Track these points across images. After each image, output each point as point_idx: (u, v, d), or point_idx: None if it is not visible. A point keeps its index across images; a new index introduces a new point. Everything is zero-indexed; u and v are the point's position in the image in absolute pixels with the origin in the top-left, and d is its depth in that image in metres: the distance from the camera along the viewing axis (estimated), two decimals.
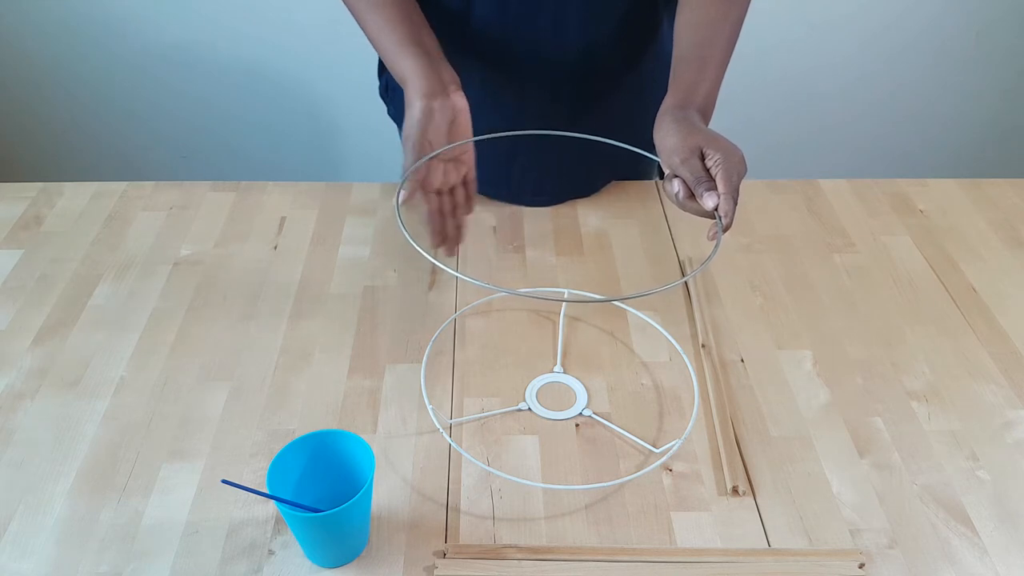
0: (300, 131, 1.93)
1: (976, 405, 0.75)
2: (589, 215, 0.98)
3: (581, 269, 0.90)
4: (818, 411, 0.74)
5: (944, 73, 1.92)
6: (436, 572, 0.60)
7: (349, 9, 0.81)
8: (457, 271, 0.89)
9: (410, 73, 0.74)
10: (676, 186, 0.69)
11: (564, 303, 0.84)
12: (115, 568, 0.60)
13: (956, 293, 0.87)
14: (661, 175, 1.10)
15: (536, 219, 0.97)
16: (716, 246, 0.64)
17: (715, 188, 0.66)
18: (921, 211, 1.00)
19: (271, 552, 0.62)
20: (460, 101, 0.74)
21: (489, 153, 0.82)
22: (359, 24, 0.80)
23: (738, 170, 0.66)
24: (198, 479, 0.67)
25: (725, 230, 0.65)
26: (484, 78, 0.90)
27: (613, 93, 0.92)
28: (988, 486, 0.68)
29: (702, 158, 0.68)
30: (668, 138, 0.70)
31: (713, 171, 0.66)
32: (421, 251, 0.61)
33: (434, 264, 0.60)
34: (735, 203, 0.65)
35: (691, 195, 0.68)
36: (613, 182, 1.03)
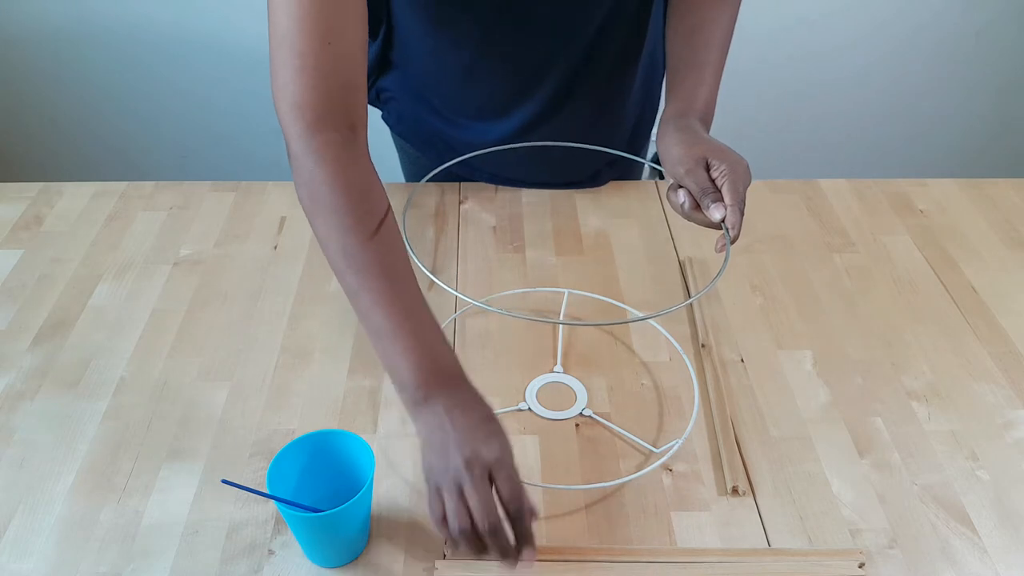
0: None
1: (976, 405, 0.75)
2: (589, 215, 0.98)
3: (581, 269, 0.90)
4: (818, 411, 0.74)
5: (944, 73, 1.92)
6: (436, 573, 0.60)
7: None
8: (456, 290, 0.89)
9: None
10: (681, 196, 0.68)
11: (564, 302, 0.84)
12: (115, 568, 0.60)
13: (956, 293, 0.87)
14: (660, 175, 1.10)
15: (536, 219, 0.97)
16: (726, 259, 0.64)
17: (721, 200, 0.65)
18: (921, 211, 1.00)
19: (271, 552, 0.62)
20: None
21: (484, 144, 0.81)
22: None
23: (744, 180, 0.66)
24: (198, 479, 0.67)
25: (733, 242, 0.65)
26: (480, 46, 0.87)
27: (605, 81, 0.92)
28: (988, 486, 0.68)
29: (707, 168, 0.67)
30: (672, 148, 0.70)
31: (719, 182, 0.66)
32: (421, 266, 0.61)
33: (433, 278, 0.60)
34: (742, 214, 0.65)
35: (697, 206, 0.67)
36: (613, 182, 1.03)
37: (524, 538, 0.55)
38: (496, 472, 0.55)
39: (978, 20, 1.84)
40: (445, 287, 0.66)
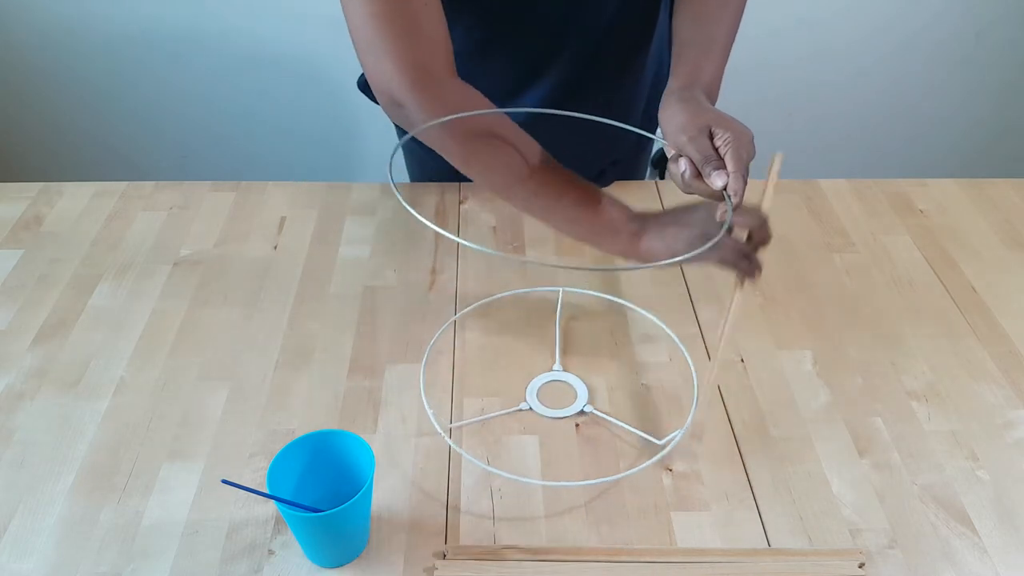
0: (302, 129, 1.93)
1: (976, 405, 0.75)
2: None
3: (581, 269, 0.89)
4: (818, 411, 0.74)
5: (944, 73, 1.92)
6: (436, 573, 0.60)
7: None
8: (456, 290, 0.89)
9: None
10: (682, 165, 0.66)
11: (560, 299, 0.84)
12: (115, 568, 0.60)
13: (956, 293, 0.87)
14: (656, 166, 1.10)
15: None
16: (726, 225, 0.62)
17: (724, 167, 0.63)
18: (921, 211, 1.00)
19: (271, 552, 0.62)
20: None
21: None
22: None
23: (748, 150, 0.64)
24: (198, 479, 0.67)
25: (735, 209, 0.63)
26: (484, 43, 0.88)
27: (608, 78, 0.92)
28: (988, 486, 0.68)
29: (710, 137, 0.65)
30: (675, 117, 0.68)
31: (722, 150, 0.64)
32: (419, 217, 0.60)
33: (439, 231, 0.58)
34: (745, 182, 0.63)
35: (698, 174, 0.65)
36: (614, 182, 1.03)
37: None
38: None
39: (978, 21, 1.84)
40: (448, 234, 0.65)
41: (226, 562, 0.61)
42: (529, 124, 0.93)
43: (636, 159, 1.09)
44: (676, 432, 0.70)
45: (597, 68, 0.89)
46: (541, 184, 0.74)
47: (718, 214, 0.65)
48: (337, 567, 0.61)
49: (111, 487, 0.66)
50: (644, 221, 0.73)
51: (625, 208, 0.75)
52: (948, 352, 0.80)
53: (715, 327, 0.82)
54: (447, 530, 0.63)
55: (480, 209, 0.98)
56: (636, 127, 1.00)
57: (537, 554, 0.61)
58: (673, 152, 0.69)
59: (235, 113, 1.89)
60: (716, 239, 0.63)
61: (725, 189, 0.63)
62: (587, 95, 0.91)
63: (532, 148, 0.74)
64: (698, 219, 0.71)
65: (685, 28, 0.78)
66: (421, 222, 0.59)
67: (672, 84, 0.73)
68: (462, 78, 0.79)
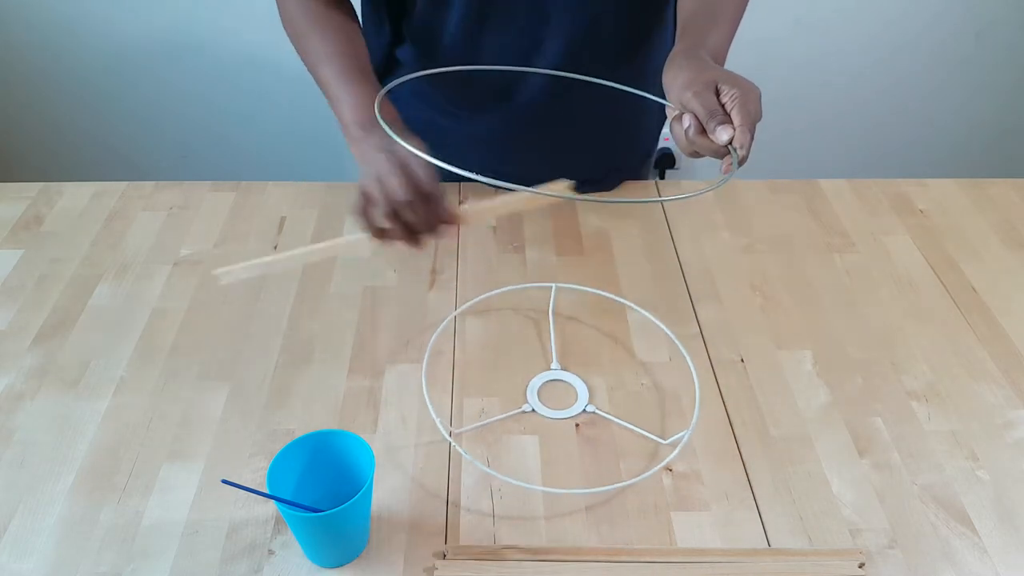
0: (302, 129, 1.92)
1: (976, 405, 0.75)
2: (589, 215, 0.98)
3: (581, 269, 0.90)
4: (818, 411, 0.74)
5: (944, 73, 1.92)
6: (436, 573, 0.60)
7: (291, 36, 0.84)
8: (456, 290, 0.89)
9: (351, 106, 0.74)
10: (687, 121, 0.63)
11: (553, 296, 0.84)
12: (115, 568, 0.60)
13: (956, 293, 0.87)
14: (657, 166, 1.10)
15: (536, 219, 0.97)
16: (729, 175, 0.60)
17: (729, 121, 0.60)
18: (921, 211, 1.00)
19: (271, 552, 0.62)
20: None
21: (487, 137, 0.81)
22: (298, 50, 0.83)
23: (756, 107, 0.62)
24: (198, 479, 0.67)
25: (741, 163, 0.60)
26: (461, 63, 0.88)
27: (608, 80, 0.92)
28: (988, 486, 0.68)
29: (717, 94, 0.63)
30: (680, 74, 0.65)
31: (728, 106, 0.61)
32: (407, 147, 0.58)
33: (439, 164, 0.56)
34: (752, 137, 0.60)
35: (702, 131, 0.62)
36: (621, 184, 1.03)
37: (440, 214, 0.66)
38: (411, 164, 0.65)
39: (978, 21, 1.84)
40: (442, 164, 0.63)
41: (226, 562, 0.61)
42: (530, 127, 0.92)
43: (642, 165, 1.08)
44: (683, 432, 0.70)
45: (592, 56, 0.88)
46: (330, 72, 0.77)
47: (723, 166, 0.62)
48: (337, 567, 0.61)
49: (111, 487, 0.66)
50: (370, 133, 0.70)
51: (365, 113, 0.72)
52: (948, 352, 0.80)
53: (715, 327, 0.82)
54: (447, 530, 0.63)
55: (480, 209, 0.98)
56: (637, 134, 1.00)
57: (537, 554, 0.61)
58: (676, 112, 0.66)
59: (235, 113, 1.89)
60: (721, 182, 0.60)
61: (730, 143, 0.60)
62: (584, 87, 0.91)
63: (353, 39, 0.79)
64: (396, 159, 0.66)
65: (689, 6, 0.77)
66: (411, 151, 0.59)
67: (676, 49, 0.71)
68: (455, 76, 0.79)
